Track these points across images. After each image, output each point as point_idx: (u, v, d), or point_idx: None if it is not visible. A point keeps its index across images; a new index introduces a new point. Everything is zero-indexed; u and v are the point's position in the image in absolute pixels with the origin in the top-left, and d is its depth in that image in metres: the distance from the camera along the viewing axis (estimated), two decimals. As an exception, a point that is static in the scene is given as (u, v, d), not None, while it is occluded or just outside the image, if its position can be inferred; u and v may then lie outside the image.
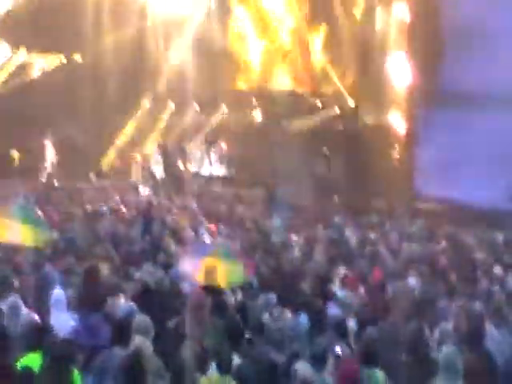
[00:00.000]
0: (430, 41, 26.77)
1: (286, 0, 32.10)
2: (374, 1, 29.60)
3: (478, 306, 10.53)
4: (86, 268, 10.89)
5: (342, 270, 12.83)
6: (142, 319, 8.31)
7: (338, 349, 8.86)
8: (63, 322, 8.99)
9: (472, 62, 25.44)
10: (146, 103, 31.99)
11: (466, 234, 19.13)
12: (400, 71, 28.31)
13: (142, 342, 7.69)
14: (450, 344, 8.12)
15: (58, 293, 9.56)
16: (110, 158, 31.11)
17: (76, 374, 7.27)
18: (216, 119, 32.15)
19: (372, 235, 17.92)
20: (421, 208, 25.14)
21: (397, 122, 28.55)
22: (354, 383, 7.18)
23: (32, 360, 7.30)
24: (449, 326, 9.65)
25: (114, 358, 7.42)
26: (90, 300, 9.14)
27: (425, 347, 8.24)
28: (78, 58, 30.14)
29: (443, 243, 17.18)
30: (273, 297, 10.64)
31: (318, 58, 31.53)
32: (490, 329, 9.35)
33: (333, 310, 10.43)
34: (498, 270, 14.08)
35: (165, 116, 32.38)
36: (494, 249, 17.06)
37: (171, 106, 32.21)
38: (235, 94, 32.67)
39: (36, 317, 9.02)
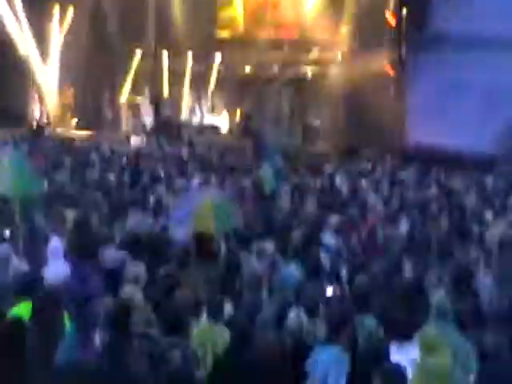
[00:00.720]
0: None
1: None
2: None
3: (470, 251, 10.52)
4: (76, 217, 10.87)
5: (333, 218, 12.82)
6: (133, 268, 8.30)
7: (329, 290, 8.91)
8: (60, 269, 8.97)
9: (460, 7, 25.35)
10: (137, 52, 31.68)
11: (455, 179, 19.14)
12: (388, 16, 28.07)
13: (131, 290, 7.66)
14: (441, 289, 8.14)
15: (55, 240, 9.52)
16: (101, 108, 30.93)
17: (67, 322, 7.26)
18: (208, 68, 31.90)
19: (363, 183, 17.92)
20: (411, 154, 25.11)
21: (386, 67, 28.39)
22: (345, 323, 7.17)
23: (22, 309, 7.28)
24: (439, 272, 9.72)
25: (103, 307, 7.41)
26: (80, 249, 9.10)
27: (421, 293, 8.26)
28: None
29: (433, 189, 17.18)
30: (268, 245, 10.62)
31: (309, 5, 31.21)
32: (480, 273, 9.42)
33: (324, 258, 10.45)
34: (488, 215, 14.10)
35: (157, 64, 32.13)
36: (483, 194, 17.10)
37: (164, 54, 31.94)
38: (224, 43, 32.39)
39: (26, 266, 8.99)
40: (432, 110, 26.07)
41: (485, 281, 9.33)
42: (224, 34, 32.62)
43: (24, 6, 28.53)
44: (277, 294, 8.64)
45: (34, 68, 28.91)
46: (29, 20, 28.62)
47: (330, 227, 12.24)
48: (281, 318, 7.75)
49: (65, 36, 29.74)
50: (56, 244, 9.46)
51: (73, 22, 29.87)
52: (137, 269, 8.31)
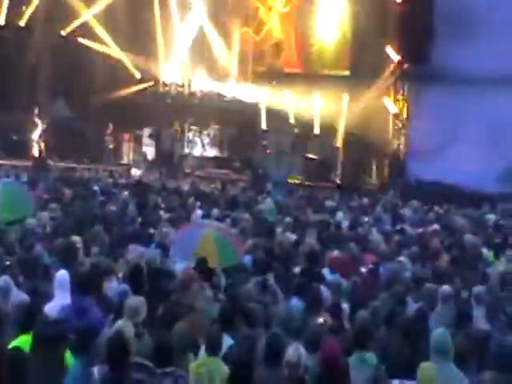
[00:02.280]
0: (421, 22, 26.74)
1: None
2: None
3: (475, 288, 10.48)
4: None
5: (333, 254, 12.83)
6: (131, 301, 8.29)
7: (320, 319, 8.89)
8: (66, 302, 8.96)
9: (463, 43, 25.48)
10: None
11: (457, 215, 19.14)
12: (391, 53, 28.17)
13: (122, 325, 7.64)
14: (441, 326, 8.11)
15: (62, 273, 9.49)
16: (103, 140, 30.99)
17: (68, 355, 7.24)
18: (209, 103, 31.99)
19: (364, 218, 17.93)
20: (412, 190, 25.13)
21: (388, 103, 28.48)
22: (336, 367, 7.11)
23: (23, 341, 7.26)
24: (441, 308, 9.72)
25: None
26: (79, 281, 9.08)
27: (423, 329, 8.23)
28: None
29: (435, 225, 17.17)
30: (268, 279, 10.60)
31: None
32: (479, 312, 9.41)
33: (325, 293, 10.43)
34: (489, 253, 14.10)
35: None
36: (485, 231, 17.10)
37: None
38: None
39: (26, 297, 8.97)
40: (433, 146, 26.14)
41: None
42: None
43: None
44: (277, 328, 8.61)
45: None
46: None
47: (331, 262, 12.22)
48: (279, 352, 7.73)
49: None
50: (63, 277, 9.44)
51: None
52: (136, 302, 8.30)
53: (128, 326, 7.59)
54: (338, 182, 27.69)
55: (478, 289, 10.28)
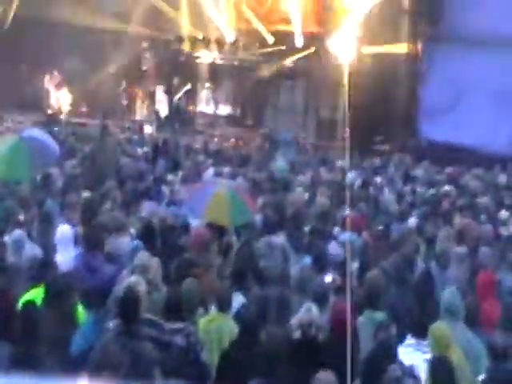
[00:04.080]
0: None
1: None
2: None
3: (484, 250, 10.49)
4: (84, 204, 10.89)
5: (345, 212, 12.82)
6: (142, 257, 8.33)
7: (327, 278, 8.93)
8: (70, 258, 9.00)
9: (473, 5, 25.27)
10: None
11: (469, 176, 19.09)
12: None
13: (135, 281, 7.69)
14: (452, 286, 8.13)
15: (64, 229, 9.54)
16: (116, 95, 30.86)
17: (79, 309, 7.31)
18: (221, 58, 31.83)
19: (376, 178, 17.90)
20: (424, 150, 25.01)
21: (400, 60, 28.27)
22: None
23: (35, 294, 7.33)
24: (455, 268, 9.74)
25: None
26: (90, 237, 9.12)
27: (431, 289, 8.25)
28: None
29: (447, 186, 17.14)
30: (279, 238, 10.63)
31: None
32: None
33: (335, 251, 10.47)
34: (503, 213, 14.07)
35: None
36: (497, 192, 17.07)
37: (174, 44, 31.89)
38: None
39: (39, 251, 9.03)
40: (445, 107, 25.99)
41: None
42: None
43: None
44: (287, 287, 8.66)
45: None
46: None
47: (343, 221, 12.24)
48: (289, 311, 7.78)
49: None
50: (65, 232, 9.48)
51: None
52: (145, 258, 8.34)
53: (139, 282, 7.64)
54: (349, 142, 27.54)
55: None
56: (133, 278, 7.76)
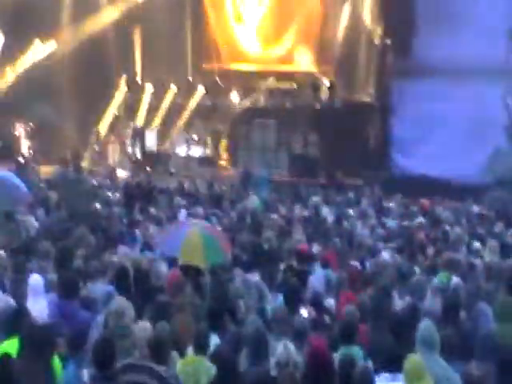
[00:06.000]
0: (403, 15, 26.83)
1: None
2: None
3: (455, 281, 10.58)
4: (58, 251, 10.82)
5: (318, 248, 12.90)
6: (117, 302, 8.28)
7: (303, 312, 8.93)
8: (40, 307, 8.93)
9: (443, 34, 25.59)
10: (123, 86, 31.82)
11: (442, 208, 19.23)
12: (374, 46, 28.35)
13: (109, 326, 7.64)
14: (427, 319, 8.15)
15: (35, 278, 9.47)
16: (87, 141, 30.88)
17: (56, 360, 7.23)
18: (193, 100, 32.10)
19: (349, 212, 17.97)
20: (396, 183, 25.18)
21: (371, 96, 28.59)
22: (324, 362, 7.14)
23: (10, 346, 7.25)
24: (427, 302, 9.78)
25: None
26: (65, 284, 9.07)
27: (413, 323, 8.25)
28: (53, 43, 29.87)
29: (420, 218, 17.26)
30: (253, 277, 10.64)
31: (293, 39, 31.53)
32: (467, 304, 9.45)
33: (312, 288, 10.50)
34: (476, 244, 14.15)
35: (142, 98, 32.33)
36: (469, 222, 17.20)
37: (149, 88, 32.15)
38: (209, 75, 32.65)
39: (12, 301, 8.95)
40: (417, 139, 26.23)
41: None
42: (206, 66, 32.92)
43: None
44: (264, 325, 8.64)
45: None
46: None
47: (319, 257, 12.29)
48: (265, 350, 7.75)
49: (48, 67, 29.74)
50: (35, 283, 9.40)
51: (55, 54, 29.92)
52: (120, 303, 8.29)
53: (114, 328, 7.59)
54: (323, 178, 27.70)
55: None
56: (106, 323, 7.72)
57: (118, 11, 31.02)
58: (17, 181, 12.55)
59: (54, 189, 18.82)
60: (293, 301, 9.32)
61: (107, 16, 30.77)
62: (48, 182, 20.82)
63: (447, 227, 15.87)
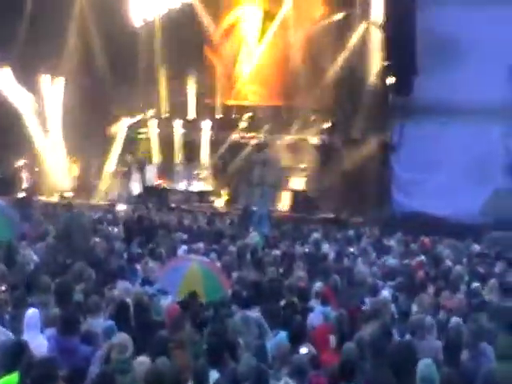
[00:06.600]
0: (405, 55, 26.99)
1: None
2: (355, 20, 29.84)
3: (456, 320, 10.54)
4: (57, 286, 10.79)
5: (320, 286, 12.86)
6: (117, 338, 8.26)
7: (303, 349, 8.89)
8: (37, 342, 8.88)
9: (445, 74, 25.70)
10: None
11: (442, 246, 19.20)
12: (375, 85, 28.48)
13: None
14: (427, 357, 8.12)
15: (32, 312, 9.44)
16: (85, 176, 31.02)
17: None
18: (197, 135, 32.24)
19: (349, 250, 17.96)
20: (397, 221, 25.17)
21: (373, 136, 28.67)
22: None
23: (9, 381, 7.21)
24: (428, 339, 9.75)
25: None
26: (66, 319, 9.05)
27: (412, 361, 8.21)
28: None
29: (421, 256, 17.23)
30: (254, 313, 10.61)
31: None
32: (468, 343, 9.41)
33: (311, 324, 10.46)
34: (476, 284, 14.11)
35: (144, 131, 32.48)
36: (470, 262, 17.17)
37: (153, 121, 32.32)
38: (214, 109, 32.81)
39: (12, 335, 8.92)
40: (418, 178, 26.27)
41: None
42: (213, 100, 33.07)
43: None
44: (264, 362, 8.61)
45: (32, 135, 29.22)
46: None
47: (318, 294, 12.26)
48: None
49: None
50: (32, 317, 9.37)
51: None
52: (122, 339, 8.27)
53: (115, 362, 7.56)
54: (323, 215, 27.74)
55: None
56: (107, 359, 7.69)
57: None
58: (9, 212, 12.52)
59: (53, 223, 18.85)
60: (298, 338, 9.30)
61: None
62: (48, 215, 20.87)
63: (448, 265, 15.82)
